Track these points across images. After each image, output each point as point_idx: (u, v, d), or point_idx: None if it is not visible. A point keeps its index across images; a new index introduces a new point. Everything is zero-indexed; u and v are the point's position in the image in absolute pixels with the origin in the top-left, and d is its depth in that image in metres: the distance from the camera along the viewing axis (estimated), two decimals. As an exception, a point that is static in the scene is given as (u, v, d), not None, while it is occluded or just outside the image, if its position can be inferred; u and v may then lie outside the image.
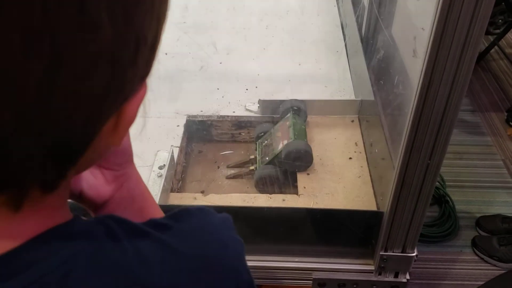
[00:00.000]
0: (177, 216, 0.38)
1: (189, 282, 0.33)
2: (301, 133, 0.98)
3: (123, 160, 0.47)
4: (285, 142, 0.96)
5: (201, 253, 0.35)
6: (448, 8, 0.53)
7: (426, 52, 0.58)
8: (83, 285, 0.29)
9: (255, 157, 1.03)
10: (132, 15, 0.26)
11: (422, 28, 0.61)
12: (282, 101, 1.07)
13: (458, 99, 0.61)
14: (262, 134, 1.05)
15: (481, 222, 1.78)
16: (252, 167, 1.02)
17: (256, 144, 1.05)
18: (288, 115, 1.02)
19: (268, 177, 0.95)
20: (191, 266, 0.34)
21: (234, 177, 1.02)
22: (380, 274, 0.85)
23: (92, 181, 0.45)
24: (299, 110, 1.04)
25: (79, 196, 0.45)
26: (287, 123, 1.00)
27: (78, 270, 0.29)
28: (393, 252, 0.80)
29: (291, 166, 0.95)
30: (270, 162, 0.97)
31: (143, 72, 0.30)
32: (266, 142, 1.02)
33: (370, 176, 0.94)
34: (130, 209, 0.48)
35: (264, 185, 0.95)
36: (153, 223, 0.35)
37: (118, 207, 0.47)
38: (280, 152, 0.95)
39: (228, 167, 1.04)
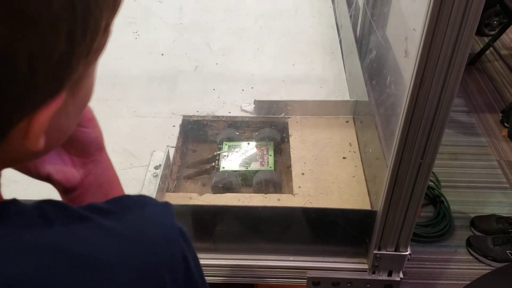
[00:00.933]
0: (117, 201, 0.39)
1: (124, 262, 0.34)
2: (274, 165, 1.01)
3: (91, 149, 0.48)
4: (263, 167, 0.99)
5: (139, 238, 0.36)
6: (439, 9, 0.54)
7: (418, 52, 0.58)
8: (5, 264, 0.30)
9: (213, 156, 1.03)
10: (20, 32, 0.25)
11: (414, 29, 0.62)
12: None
13: (449, 99, 0.62)
14: (227, 138, 1.06)
15: (476, 222, 1.79)
16: (208, 167, 1.02)
17: (219, 145, 1.05)
18: (270, 142, 1.05)
19: (228, 183, 0.96)
20: (128, 249, 0.35)
21: (189, 177, 1.02)
22: (374, 272, 0.85)
23: (60, 165, 0.46)
24: (279, 141, 1.06)
25: (47, 178, 0.46)
26: (268, 148, 1.04)
27: (1, 249, 0.30)
28: (386, 251, 0.81)
29: (257, 186, 0.97)
30: (234, 170, 0.98)
31: (51, 88, 0.30)
32: (236, 148, 1.03)
33: (364, 175, 0.95)
34: (97, 194, 0.49)
35: (221, 189, 0.96)
36: (93, 207, 0.36)
37: (87, 192, 0.48)
38: (255, 172, 0.98)
39: (187, 167, 1.04)
